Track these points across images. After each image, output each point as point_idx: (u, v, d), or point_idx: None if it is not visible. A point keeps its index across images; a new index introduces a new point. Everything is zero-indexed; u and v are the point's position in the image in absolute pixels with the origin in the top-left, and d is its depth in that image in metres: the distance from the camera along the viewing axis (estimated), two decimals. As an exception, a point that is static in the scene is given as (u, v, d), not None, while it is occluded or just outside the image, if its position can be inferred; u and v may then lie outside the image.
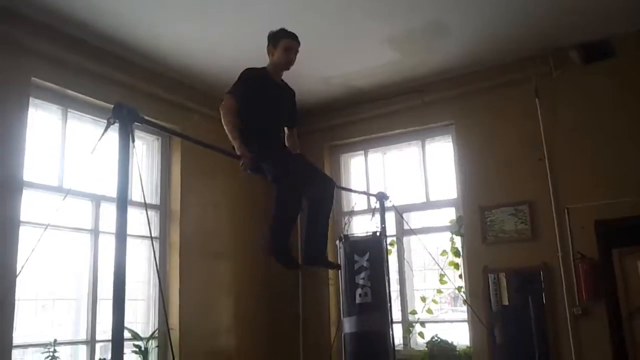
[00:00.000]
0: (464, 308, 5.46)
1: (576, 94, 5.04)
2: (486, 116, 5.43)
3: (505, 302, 5.15)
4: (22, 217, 4.00)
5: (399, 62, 5.31)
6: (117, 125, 2.66)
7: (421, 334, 5.58)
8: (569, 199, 4.92)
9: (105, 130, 2.67)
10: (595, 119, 4.92)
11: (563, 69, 5.07)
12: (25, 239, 3.97)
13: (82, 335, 4.50)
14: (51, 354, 4.03)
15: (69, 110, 4.61)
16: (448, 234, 5.59)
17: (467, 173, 5.48)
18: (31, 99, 4.22)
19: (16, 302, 3.84)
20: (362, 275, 4.48)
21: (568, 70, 5.06)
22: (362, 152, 6.34)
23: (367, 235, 4.68)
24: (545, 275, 4.92)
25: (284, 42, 3.51)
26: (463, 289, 5.39)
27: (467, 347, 5.30)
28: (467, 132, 5.54)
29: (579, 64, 5.01)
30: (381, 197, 5.05)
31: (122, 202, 2.62)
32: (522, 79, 5.21)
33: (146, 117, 2.84)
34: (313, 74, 5.48)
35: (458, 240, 5.53)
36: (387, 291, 4.60)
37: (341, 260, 4.63)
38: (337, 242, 4.75)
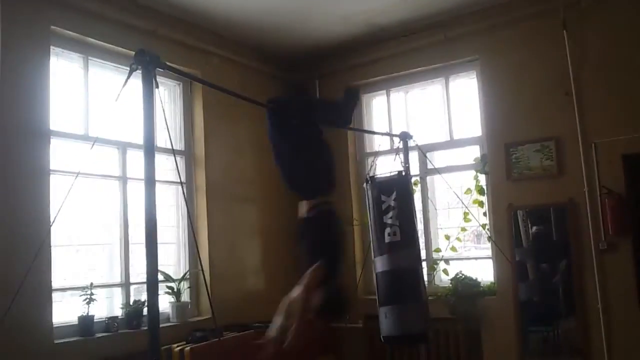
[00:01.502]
0: (488, 246, 5.50)
1: (605, 25, 4.85)
2: (512, 50, 5.28)
3: (530, 239, 5.18)
4: (52, 166, 4.09)
5: (420, -3, 5.14)
6: (139, 71, 2.67)
7: (445, 271, 5.66)
8: (596, 134, 4.83)
9: (129, 76, 2.68)
10: (625, 52, 4.75)
11: (592, -2, 4.87)
12: (56, 187, 4.07)
13: (117, 279, 4.66)
14: (88, 296, 4.20)
15: (89, 58, 4.60)
16: (472, 172, 5.57)
17: (492, 109, 5.39)
18: (52, 48, 4.22)
19: (52, 248, 3.98)
20: (390, 214, 4.48)
21: (597, -1, 4.86)
22: (384, 91, 6.25)
23: (392, 175, 4.67)
24: (570, 211, 4.90)
25: None
26: (487, 227, 5.42)
27: (492, 282, 5.38)
28: (492, 67, 5.41)
29: (609, -8, 4.81)
30: (404, 136, 5.01)
31: (149, 148, 2.65)
32: (549, 10, 5.01)
33: (168, 63, 2.84)
34: (332, 12, 5.35)
35: (482, 179, 5.51)
36: (416, 229, 4.63)
37: (368, 201, 4.64)
38: (365, 184, 4.75)
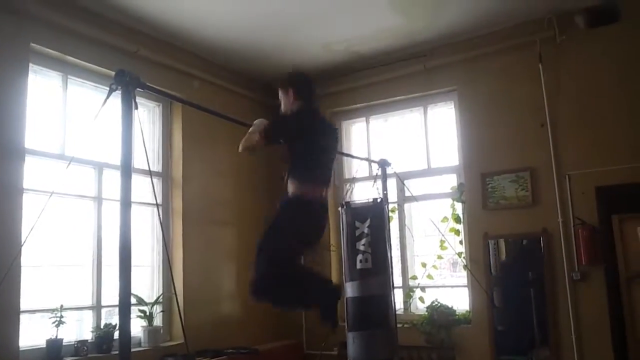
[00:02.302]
0: (464, 274, 5.53)
1: (580, 59, 4.99)
2: (489, 81, 5.40)
3: (505, 268, 5.22)
4: (25, 185, 4.01)
5: (402, 27, 5.23)
6: (119, 91, 2.66)
7: (421, 299, 5.67)
8: (570, 166, 4.93)
9: (108, 96, 2.67)
10: (599, 85, 4.89)
11: (567, 34, 5.01)
12: (29, 206, 3.99)
13: (88, 301, 4.56)
14: (58, 319, 4.10)
15: (69, 77, 4.57)
16: (449, 201, 5.62)
17: (469, 139, 5.48)
18: (31, 65, 4.18)
19: (22, 269, 3.88)
20: (363, 241, 4.52)
21: (573, 35, 5.00)
22: (364, 118, 6.31)
23: (368, 202, 4.70)
24: (544, 241, 4.97)
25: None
26: (463, 255, 5.45)
27: (467, 311, 5.39)
28: (470, 98, 5.51)
29: (584, 29, 4.95)
30: (383, 163, 5.06)
31: (126, 168, 2.63)
32: (525, 44, 5.16)
33: (148, 84, 2.84)
34: (313, 40, 5.43)
35: (459, 207, 5.56)
36: (388, 257, 4.66)
37: (342, 227, 4.66)
38: (339, 208, 4.77)
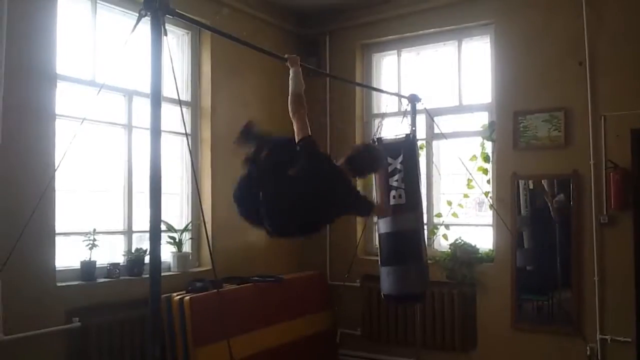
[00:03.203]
0: (489, 213, 5.51)
1: (627, -5, 4.73)
2: (528, 16, 5.17)
3: (532, 208, 5.19)
4: (57, 110, 4.06)
5: (439, -45, 5.00)
6: (148, 18, 2.62)
7: (445, 236, 5.70)
8: (606, 107, 4.78)
9: (137, 22, 2.64)
10: (643, 23, 4.66)
11: (616, -35, 4.73)
12: (61, 131, 4.06)
13: (120, 226, 4.70)
14: (91, 242, 4.25)
15: (98, 2, 4.51)
16: (479, 139, 5.53)
17: (504, 76, 5.31)
18: (60, -10, 4.14)
19: (56, 193, 4.00)
20: (396, 177, 4.49)
21: (621, -32, 4.72)
22: (395, 51, 6.15)
23: (400, 138, 4.65)
24: (574, 183, 4.89)
25: None
26: (490, 195, 5.42)
27: (490, 250, 5.41)
28: (506, 32, 5.30)
29: (634, -39, 4.67)
30: (413, 99, 4.97)
31: (156, 96, 2.63)
32: (570, -24, 4.90)
33: (177, 10, 2.79)
34: (347, -34, 5.23)
35: (488, 146, 5.48)
36: (420, 193, 4.65)
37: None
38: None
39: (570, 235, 4.90)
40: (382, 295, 4.54)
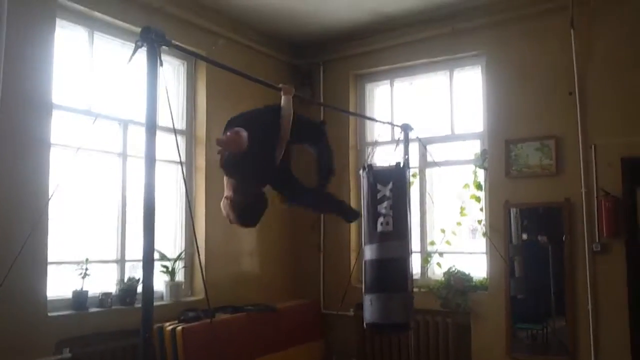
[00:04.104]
0: (483, 241, 5.52)
1: (613, 25, 4.84)
2: (518, 46, 5.27)
3: (525, 237, 5.21)
4: (53, 139, 4.08)
5: (430, -12, 5.12)
6: (144, 48, 2.66)
7: (439, 264, 5.70)
8: (597, 135, 4.84)
9: (134, 53, 2.67)
10: (631, 53, 4.75)
11: (601, -2, 4.85)
12: (56, 160, 4.07)
13: (113, 255, 4.68)
14: (84, 271, 4.22)
15: (95, 32, 4.58)
16: (471, 167, 5.58)
17: (495, 105, 5.39)
18: (58, 20, 4.19)
19: (50, 221, 3.99)
20: (385, 204, 4.50)
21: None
22: (388, 81, 6.24)
23: (390, 166, 4.68)
24: (566, 210, 4.92)
25: None
26: (483, 222, 5.44)
27: (484, 278, 5.41)
28: (497, 63, 5.40)
29: (619, -6, 4.79)
30: (405, 128, 5.01)
31: (151, 125, 2.65)
32: (558, 8, 5.00)
33: (173, 41, 2.83)
34: (340, -1, 5.34)
35: (481, 174, 5.52)
36: (409, 221, 4.65)
37: (364, 189, 4.65)
38: (360, 171, 4.76)
39: (563, 263, 4.91)
40: (365, 324, 4.49)
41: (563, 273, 4.92)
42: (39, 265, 3.90)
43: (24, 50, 3.90)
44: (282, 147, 3.24)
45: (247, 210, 3.15)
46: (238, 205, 3.11)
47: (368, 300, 4.42)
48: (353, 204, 6.14)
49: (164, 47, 2.72)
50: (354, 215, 4.08)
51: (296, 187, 3.51)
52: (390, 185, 4.52)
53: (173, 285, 4.94)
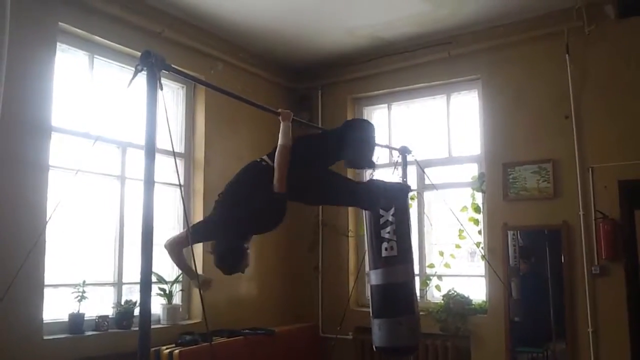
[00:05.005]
0: (481, 264, 5.51)
1: (608, 51, 4.90)
2: (514, 71, 5.33)
3: (523, 259, 5.20)
4: (51, 162, 4.10)
5: (428, 13, 5.19)
6: (144, 72, 2.69)
7: (438, 287, 5.67)
8: (593, 158, 4.87)
9: (134, 77, 2.70)
10: (626, 78, 4.81)
11: (597, 24, 4.91)
12: (54, 182, 4.08)
13: (110, 278, 4.66)
14: (80, 294, 4.20)
15: (95, 56, 4.63)
16: (469, 190, 5.59)
17: (492, 128, 5.43)
18: (58, 44, 4.25)
19: (47, 244, 3.98)
20: (388, 229, 4.49)
21: (602, 25, 4.91)
22: (386, 105, 6.29)
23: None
24: (565, 233, 4.92)
25: None
26: (481, 245, 5.43)
27: (483, 301, 5.39)
28: (494, 87, 5.46)
29: (613, 19, 4.86)
30: (404, 151, 5.03)
31: (150, 149, 2.67)
32: (553, 34, 5.08)
33: (173, 65, 2.86)
34: (338, 25, 5.42)
35: (478, 197, 5.54)
36: (411, 245, 4.65)
37: (366, 215, 4.65)
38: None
39: (563, 286, 4.90)
40: (374, 348, 4.48)
41: (562, 296, 4.90)
42: (35, 287, 3.88)
43: (25, 73, 3.94)
44: (281, 177, 3.19)
45: (224, 259, 3.26)
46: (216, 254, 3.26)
47: (376, 325, 4.42)
48: (352, 227, 6.16)
49: (163, 71, 2.75)
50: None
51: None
52: (392, 210, 4.52)
53: (170, 309, 4.91)
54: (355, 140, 3.56)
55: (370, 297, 4.50)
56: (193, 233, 3.20)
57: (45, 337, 3.95)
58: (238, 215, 3.17)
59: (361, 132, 3.62)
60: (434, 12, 5.16)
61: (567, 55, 4.99)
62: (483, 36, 5.45)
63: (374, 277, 4.44)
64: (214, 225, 3.27)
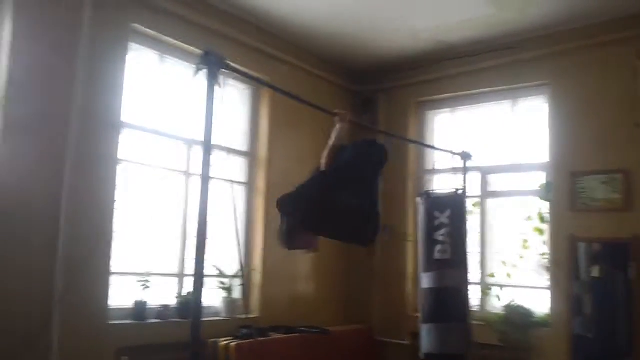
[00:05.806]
0: (544, 276, 5.32)
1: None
2: (583, 77, 5.13)
3: (593, 274, 4.97)
4: (120, 155, 4.30)
5: (493, 17, 5.09)
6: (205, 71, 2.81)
7: (498, 297, 5.53)
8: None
9: (194, 75, 2.82)
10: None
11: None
12: (123, 175, 4.30)
13: (173, 269, 4.85)
14: (145, 283, 4.41)
15: (165, 55, 4.83)
16: (533, 198, 5.42)
17: (560, 136, 5.24)
18: (130, 44, 4.44)
19: (114, 234, 4.20)
20: (442, 231, 4.44)
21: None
22: (449, 109, 6.21)
23: (448, 192, 4.63)
24: (635, 247, 4.68)
25: None
26: (546, 256, 5.25)
27: (546, 314, 5.20)
28: (563, 93, 5.26)
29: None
30: (464, 156, 4.98)
31: (207, 145, 2.79)
32: (623, 39, 4.86)
33: (233, 65, 2.97)
34: (402, 28, 5.41)
35: (544, 206, 5.35)
36: (466, 250, 4.56)
37: (420, 216, 4.62)
38: (418, 198, 4.74)
39: (634, 302, 4.65)
40: (422, 354, 4.41)
41: (632, 313, 4.65)
42: (102, 275, 4.09)
43: (99, 71, 4.15)
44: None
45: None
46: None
47: (425, 330, 4.36)
48: (411, 232, 6.11)
49: (224, 70, 2.85)
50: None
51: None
52: (448, 212, 4.47)
53: (229, 302, 5.05)
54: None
55: (421, 301, 4.44)
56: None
57: (110, 322, 4.15)
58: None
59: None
60: (499, 15, 5.06)
61: (638, 61, 4.76)
62: (549, 41, 5.28)
63: (425, 280, 4.39)
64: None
